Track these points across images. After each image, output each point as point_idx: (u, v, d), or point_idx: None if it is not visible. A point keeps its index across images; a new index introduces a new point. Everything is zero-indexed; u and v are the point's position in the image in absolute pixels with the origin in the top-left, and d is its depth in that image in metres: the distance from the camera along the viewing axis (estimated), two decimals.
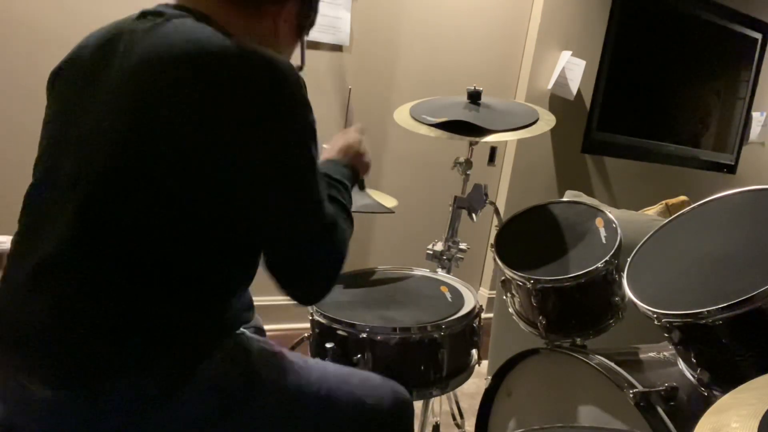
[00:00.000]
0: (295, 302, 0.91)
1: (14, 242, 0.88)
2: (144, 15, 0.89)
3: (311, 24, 1.04)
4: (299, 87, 0.84)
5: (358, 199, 1.66)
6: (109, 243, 0.80)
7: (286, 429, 0.92)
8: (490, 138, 1.60)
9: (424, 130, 1.63)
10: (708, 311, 0.92)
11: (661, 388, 1.07)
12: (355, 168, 1.10)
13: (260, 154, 0.81)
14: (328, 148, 1.12)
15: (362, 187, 1.15)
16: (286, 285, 0.88)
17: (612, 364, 1.17)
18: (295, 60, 1.03)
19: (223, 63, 0.80)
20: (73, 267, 0.80)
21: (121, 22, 0.90)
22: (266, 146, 0.81)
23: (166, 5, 0.90)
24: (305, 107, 0.84)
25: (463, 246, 1.70)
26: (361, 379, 1.03)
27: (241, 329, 0.97)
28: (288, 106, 0.83)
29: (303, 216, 0.85)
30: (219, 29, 0.85)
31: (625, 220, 1.38)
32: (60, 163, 0.85)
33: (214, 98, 0.79)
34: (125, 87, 0.82)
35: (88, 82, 0.86)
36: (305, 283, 0.90)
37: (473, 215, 1.69)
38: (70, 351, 0.78)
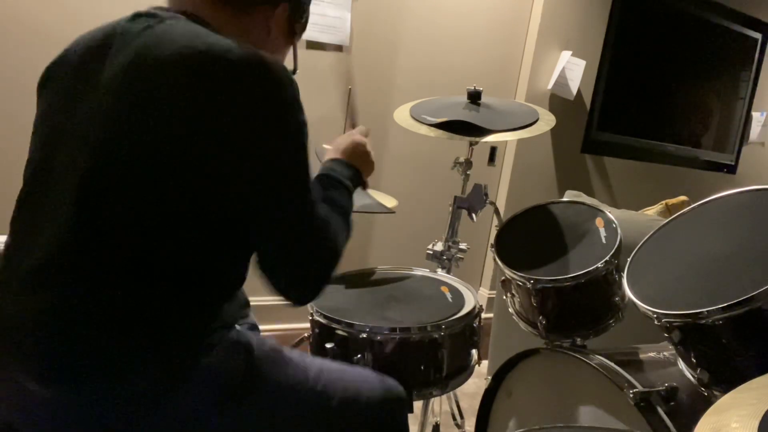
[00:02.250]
0: (288, 303, 0.91)
1: (8, 245, 0.88)
2: (137, 16, 0.89)
3: (303, 27, 1.04)
4: (292, 88, 0.84)
5: (358, 199, 1.66)
6: (105, 242, 0.80)
7: (284, 422, 0.93)
8: (490, 138, 1.60)
9: (424, 130, 1.63)
10: (708, 311, 0.93)
11: (661, 388, 1.07)
12: (359, 169, 1.10)
13: (252, 154, 0.81)
14: (331, 148, 1.12)
15: (365, 187, 1.15)
16: (276, 284, 0.88)
17: (612, 364, 1.17)
18: (288, 65, 1.03)
19: (217, 63, 0.81)
20: (70, 266, 0.80)
21: (112, 24, 0.90)
22: (258, 146, 0.82)
23: (160, 7, 0.91)
24: (298, 109, 0.85)
25: (463, 246, 1.70)
26: (357, 375, 1.04)
27: (237, 326, 0.98)
28: (281, 107, 0.83)
29: (293, 215, 0.85)
30: (212, 31, 0.86)
31: (625, 220, 1.38)
32: (52, 165, 0.85)
33: (208, 98, 0.79)
34: (118, 87, 0.82)
35: (79, 84, 0.86)
36: (295, 283, 0.89)
37: (473, 215, 1.69)
38: (68, 349, 0.79)
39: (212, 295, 0.89)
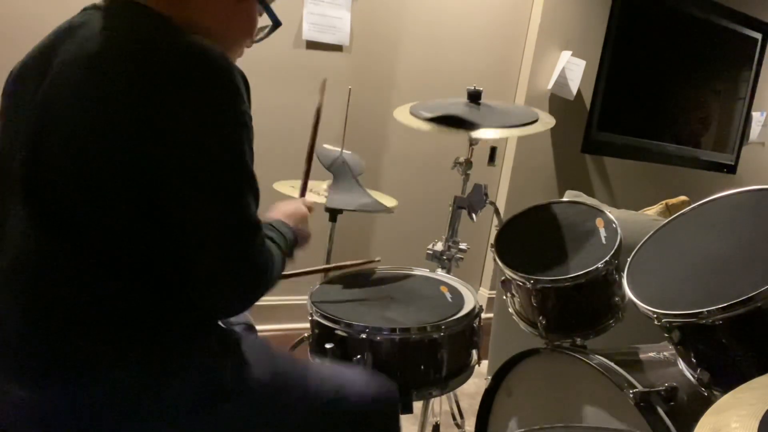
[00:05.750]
0: (211, 313, 0.88)
1: None
2: (84, 10, 0.89)
3: None
4: (230, 77, 0.81)
5: (357, 199, 1.66)
6: (70, 241, 0.80)
7: (273, 423, 0.92)
8: (488, 134, 1.59)
9: (422, 124, 1.62)
10: (708, 311, 0.92)
11: (661, 388, 1.07)
12: (296, 235, 1.05)
13: (183, 145, 0.79)
14: (275, 211, 1.08)
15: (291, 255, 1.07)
16: (201, 287, 0.83)
17: (612, 364, 1.17)
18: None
19: (149, 55, 0.79)
20: (41, 266, 0.80)
21: (63, 23, 0.90)
22: (190, 137, 0.79)
23: None
24: (236, 97, 0.81)
25: (463, 246, 1.70)
26: (348, 375, 1.03)
27: (225, 325, 0.97)
28: (218, 96, 0.80)
29: (222, 208, 0.81)
30: (155, 18, 0.84)
31: (625, 220, 1.38)
32: (10, 167, 0.85)
33: (142, 90, 0.78)
34: (58, 87, 0.82)
35: (30, 88, 0.86)
36: (218, 286, 0.83)
37: (473, 215, 1.69)
38: (45, 350, 0.79)
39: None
